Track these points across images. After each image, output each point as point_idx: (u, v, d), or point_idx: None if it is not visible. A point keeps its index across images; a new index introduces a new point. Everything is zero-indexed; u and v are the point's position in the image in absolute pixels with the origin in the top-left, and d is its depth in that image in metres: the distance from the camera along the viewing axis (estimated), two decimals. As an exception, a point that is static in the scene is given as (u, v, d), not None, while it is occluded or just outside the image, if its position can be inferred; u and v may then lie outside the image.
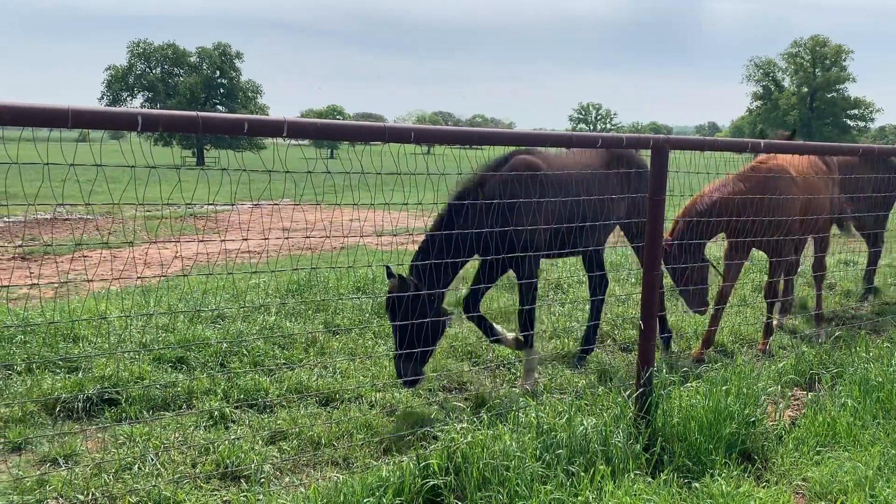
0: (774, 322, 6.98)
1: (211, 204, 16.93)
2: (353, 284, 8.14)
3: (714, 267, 6.50)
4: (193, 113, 2.64)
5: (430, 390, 5.45)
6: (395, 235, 7.83)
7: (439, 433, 4.09)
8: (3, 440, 4.38)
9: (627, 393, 4.52)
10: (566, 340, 6.60)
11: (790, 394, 5.39)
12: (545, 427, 4.12)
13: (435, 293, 4.98)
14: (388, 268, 4.94)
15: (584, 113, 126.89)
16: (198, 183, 5.65)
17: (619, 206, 5.95)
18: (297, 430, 4.57)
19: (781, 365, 5.72)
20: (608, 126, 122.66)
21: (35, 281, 5.02)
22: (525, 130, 5.04)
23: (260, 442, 4.38)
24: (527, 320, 5.53)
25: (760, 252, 7.41)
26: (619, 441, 4.07)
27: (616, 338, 6.84)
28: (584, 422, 4.16)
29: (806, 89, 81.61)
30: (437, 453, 3.79)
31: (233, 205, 17.42)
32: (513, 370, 5.92)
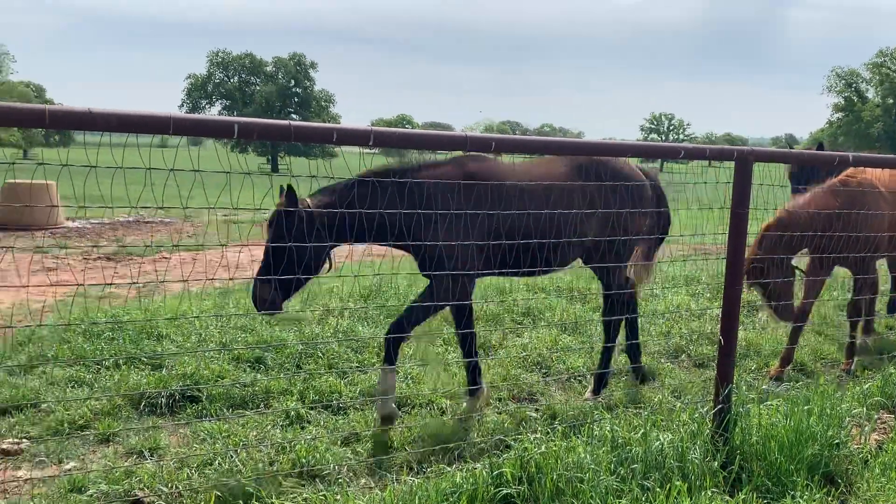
0: (858, 341, 6.73)
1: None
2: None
3: (799, 274, 6.31)
4: (286, 122, 2.73)
5: (500, 399, 5.45)
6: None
7: (512, 442, 4.09)
8: (94, 431, 4.59)
9: (705, 409, 4.43)
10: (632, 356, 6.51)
11: (876, 417, 5.18)
12: (620, 441, 4.08)
13: (323, 227, 4.48)
14: (288, 186, 4.44)
15: (656, 123, 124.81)
16: (272, 188, 5.80)
17: (588, 221, 5.11)
18: (370, 432, 4.65)
19: (867, 386, 5.51)
20: (681, 137, 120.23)
21: (132, 280, 5.25)
22: (598, 140, 4.97)
23: (336, 443, 4.47)
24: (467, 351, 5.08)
25: (840, 268, 7.15)
26: (695, 458, 3.99)
27: (691, 353, 6.70)
28: (660, 437, 4.10)
29: (892, 100, 78.27)
30: (510, 462, 3.79)
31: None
32: (584, 383, 5.87)
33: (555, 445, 3.88)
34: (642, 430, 4.14)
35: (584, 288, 8.59)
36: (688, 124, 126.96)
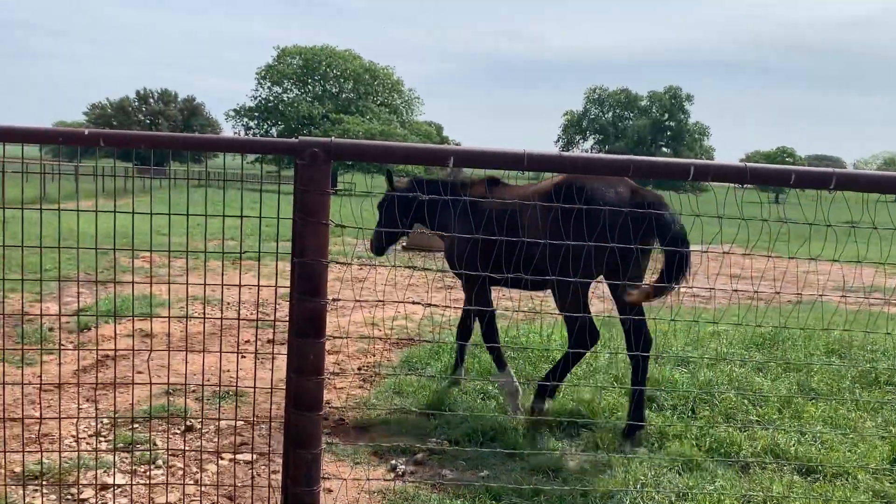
0: None
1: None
2: (826, 346, 7.45)
3: None
4: (742, 164, 2.67)
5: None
6: (868, 294, 6.95)
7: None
8: (500, 444, 4.98)
9: None
10: None
11: None
12: None
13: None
14: (388, 171, 6.38)
15: None
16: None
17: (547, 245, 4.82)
18: (770, 495, 4.31)
19: None
20: None
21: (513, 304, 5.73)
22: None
23: (738, 500, 4.23)
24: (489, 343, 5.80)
25: None
26: None
27: None
28: None
29: None
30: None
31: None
32: None
33: None
34: None
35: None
36: None
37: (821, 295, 3.62)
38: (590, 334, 5.16)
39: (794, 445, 5.01)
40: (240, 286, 2.88)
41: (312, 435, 2.62)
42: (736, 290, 3.42)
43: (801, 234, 4.34)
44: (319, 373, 2.58)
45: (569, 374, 5.59)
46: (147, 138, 2.53)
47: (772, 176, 2.72)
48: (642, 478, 4.48)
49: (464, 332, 6.32)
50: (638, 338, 5.13)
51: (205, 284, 2.94)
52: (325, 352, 2.60)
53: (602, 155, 2.71)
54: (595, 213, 4.70)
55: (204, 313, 6.56)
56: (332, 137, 2.59)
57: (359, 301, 3.05)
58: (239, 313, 4.30)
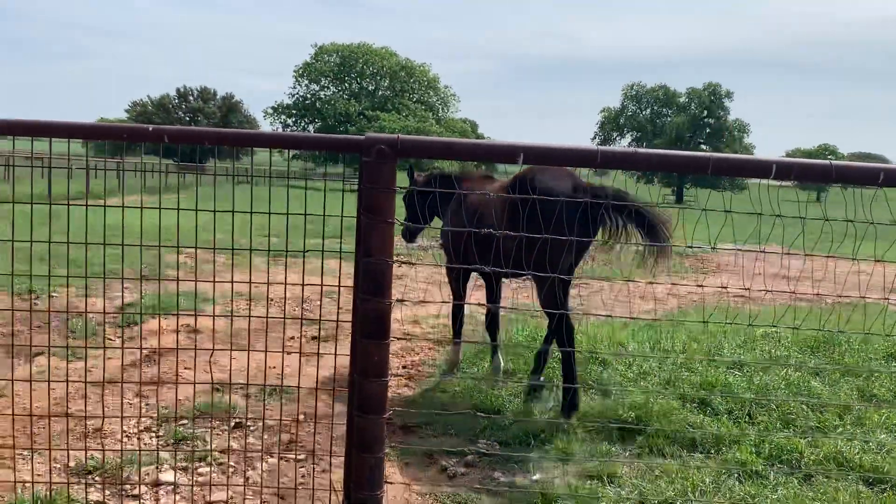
0: None
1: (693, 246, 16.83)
2: (885, 349, 7.20)
3: None
4: (827, 162, 2.55)
5: None
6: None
7: None
8: (553, 447, 4.88)
9: None
10: None
11: None
12: None
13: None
14: (409, 166, 6.96)
15: None
16: (681, 221, 5.57)
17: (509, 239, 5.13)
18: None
19: None
20: None
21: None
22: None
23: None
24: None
25: None
26: None
27: None
28: None
29: None
30: None
31: (713, 247, 17.07)
32: None
33: None
34: None
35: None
36: None
37: (885, 298, 3.46)
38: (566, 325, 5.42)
39: (858, 454, 4.82)
40: (302, 283, 2.82)
41: (377, 438, 2.56)
42: (793, 293, 3.27)
43: (848, 234, 4.15)
44: (384, 375, 2.51)
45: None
46: (212, 135, 2.48)
47: (860, 175, 2.59)
48: (701, 485, 4.34)
49: (489, 325, 6.59)
50: (563, 325, 5.39)
51: (250, 282, 2.89)
52: (389, 353, 2.53)
53: (678, 152, 2.60)
54: (541, 204, 4.96)
55: (266, 310, 6.56)
56: (398, 135, 2.52)
57: (423, 301, 2.97)
58: (302, 312, 4.26)
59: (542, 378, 5.89)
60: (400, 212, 7.31)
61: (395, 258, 2.54)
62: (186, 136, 2.55)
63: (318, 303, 5.35)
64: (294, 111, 76.40)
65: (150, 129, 2.58)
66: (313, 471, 4.42)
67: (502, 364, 6.44)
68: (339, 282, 2.70)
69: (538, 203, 4.91)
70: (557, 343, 5.59)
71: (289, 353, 6.81)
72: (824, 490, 4.38)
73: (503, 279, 6.92)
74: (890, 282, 11.94)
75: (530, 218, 4.99)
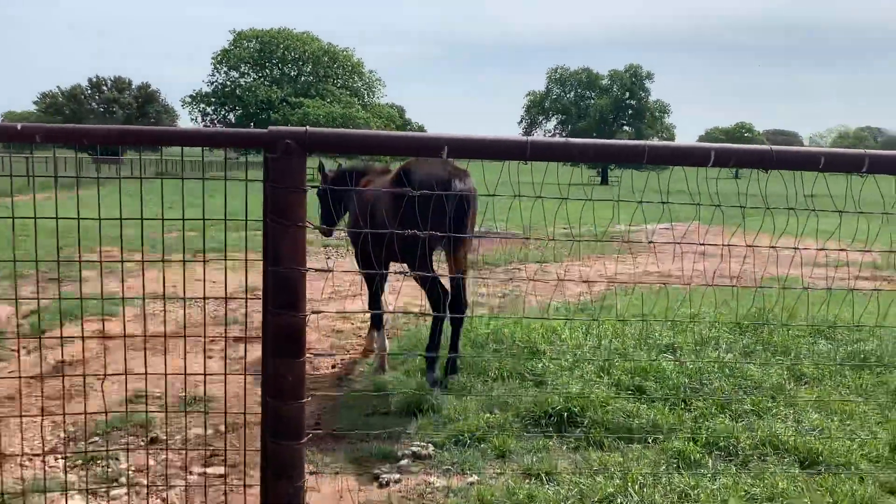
0: None
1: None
2: (811, 328, 7.31)
3: None
4: (767, 147, 2.41)
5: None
6: (836, 268, 6.83)
7: None
8: (490, 445, 4.70)
9: None
10: None
11: None
12: None
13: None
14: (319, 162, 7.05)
15: None
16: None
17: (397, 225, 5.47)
18: (775, 491, 4.12)
19: None
20: None
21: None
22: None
23: (744, 497, 4.02)
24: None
25: None
26: None
27: None
28: None
29: None
30: None
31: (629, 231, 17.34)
32: None
33: None
34: None
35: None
36: None
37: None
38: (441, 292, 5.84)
39: (792, 436, 4.82)
40: (203, 296, 2.53)
41: (295, 465, 2.31)
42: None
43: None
44: (300, 396, 2.26)
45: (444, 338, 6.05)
46: (94, 132, 2.17)
47: (800, 159, 2.46)
48: (641, 478, 4.24)
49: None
50: (459, 296, 5.90)
51: (209, 280, 2.58)
52: (305, 372, 2.28)
53: (616, 141, 2.42)
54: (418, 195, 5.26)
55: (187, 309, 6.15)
56: (307, 128, 2.25)
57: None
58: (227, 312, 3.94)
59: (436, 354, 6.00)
60: (316, 210, 7.09)
61: (307, 264, 2.29)
62: (62, 134, 2.22)
63: (227, 307, 5.03)
64: (213, 99, 74.14)
65: (20, 127, 2.25)
66: (237, 490, 4.12)
67: (387, 344, 6.57)
68: (247, 294, 2.42)
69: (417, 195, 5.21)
70: (433, 308, 5.87)
71: (209, 357, 6.47)
72: (762, 476, 4.35)
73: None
74: (811, 258, 12.25)
75: (409, 207, 5.37)
